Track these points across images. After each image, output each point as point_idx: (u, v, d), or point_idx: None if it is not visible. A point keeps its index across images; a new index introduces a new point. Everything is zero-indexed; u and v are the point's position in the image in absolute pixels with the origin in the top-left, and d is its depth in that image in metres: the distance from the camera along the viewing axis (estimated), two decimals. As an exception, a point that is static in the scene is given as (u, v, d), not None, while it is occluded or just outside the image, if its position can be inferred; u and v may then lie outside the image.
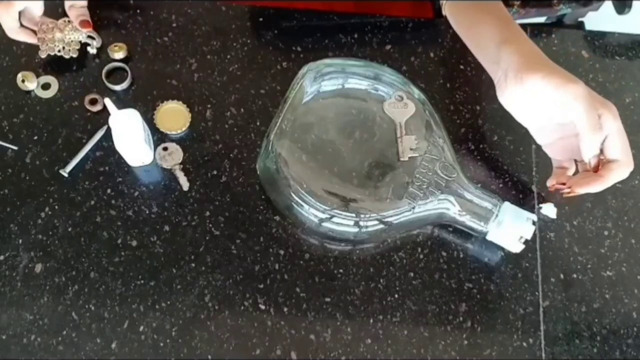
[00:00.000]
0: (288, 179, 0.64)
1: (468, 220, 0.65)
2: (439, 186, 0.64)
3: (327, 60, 0.69)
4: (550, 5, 0.94)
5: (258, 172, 0.69)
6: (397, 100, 0.67)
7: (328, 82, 0.68)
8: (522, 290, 0.66)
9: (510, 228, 0.63)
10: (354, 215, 0.63)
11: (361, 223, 0.63)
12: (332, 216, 0.63)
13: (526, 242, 0.64)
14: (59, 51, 0.73)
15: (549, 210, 0.69)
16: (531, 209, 0.69)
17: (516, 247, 0.65)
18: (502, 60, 0.61)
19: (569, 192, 0.64)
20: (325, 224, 0.64)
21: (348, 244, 0.68)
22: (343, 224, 0.64)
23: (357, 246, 0.68)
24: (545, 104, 0.60)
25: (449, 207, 0.65)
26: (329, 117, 0.66)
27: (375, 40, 0.77)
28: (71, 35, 0.74)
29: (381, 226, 0.64)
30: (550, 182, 0.67)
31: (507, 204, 0.64)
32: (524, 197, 0.70)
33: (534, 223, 0.63)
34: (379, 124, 0.67)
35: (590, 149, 0.61)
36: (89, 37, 0.74)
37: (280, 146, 0.65)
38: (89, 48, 0.75)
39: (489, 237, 0.65)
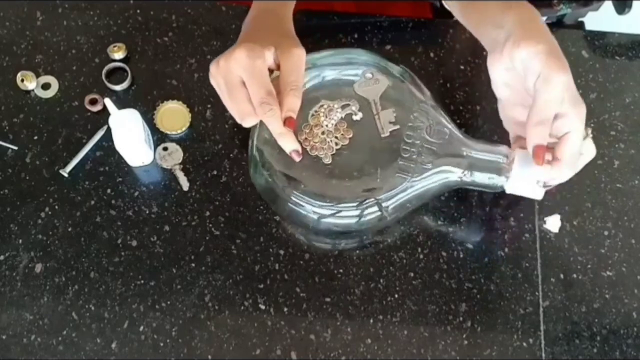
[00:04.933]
0: (280, 185, 0.63)
1: (477, 179, 0.62)
2: (432, 152, 0.62)
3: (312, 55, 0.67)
4: (550, 5, 0.94)
5: (257, 189, 0.67)
6: (367, 79, 0.65)
7: (307, 78, 0.66)
8: (522, 290, 0.66)
9: (523, 175, 0.60)
10: (354, 205, 0.62)
11: (360, 212, 0.62)
12: (337, 212, 0.62)
13: (528, 238, 0.63)
14: (337, 144, 0.64)
15: (553, 224, 0.68)
16: (531, 209, 0.69)
17: (538, 194, 0.61)
18: (505, 24, 0.60)
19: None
20: (325, 220, 0.63)
21: (349, 241, 0.68)
22: (343, 216, 0.63)
23: (357, 243, 0.68)
24: (525, 75, 0.58)
25: (451, 172, 0.62)
26: (306, 114, 0.64)
27: (375, 40, 0.77)
28: (330, 120, 0.64)
29: (379, 213, 0.63)
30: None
31: (514, 150, 0.62)
32: (524, 197, 0.70)
33: (548, 162, 0.60)
34: (357, 111, 0.65)
35: (533, 135, 0.58)
36: (344, 106, 0.65)
37: (267, 157, 0.63)
38: (353, 117, 0.65)
39: (507, 191, 0.62)
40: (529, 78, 0.58)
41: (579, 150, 0.59)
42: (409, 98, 0.65)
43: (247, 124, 0.62)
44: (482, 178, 0.62)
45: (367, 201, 0.62)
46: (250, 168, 0.66)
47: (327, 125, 0.64)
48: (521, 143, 0.63)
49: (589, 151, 0.61)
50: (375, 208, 0.62)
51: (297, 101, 0.61)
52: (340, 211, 0.62)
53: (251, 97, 0.60)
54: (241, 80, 0.60)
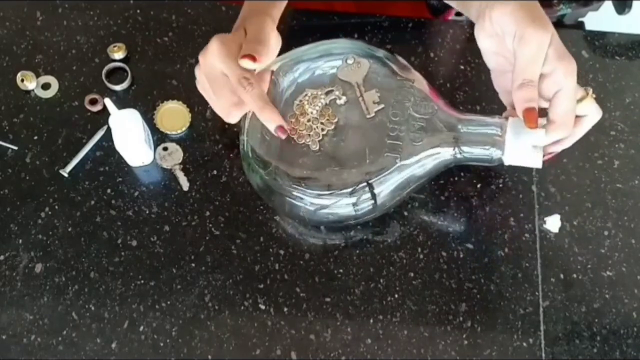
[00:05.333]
0: (274, 178, 0.62)
1: (472, 153, 0.61)
2: (421, 128, 0.61)
3: (292, 52, 0.66)
4: (550, 5, 0.94)
5: (251, 184, 0.67)
6: (349, 63, 0.65)
7: (298, 74, 0.65)
8: (522, 290, 0.66)
9: (517, 143, 0.59)
10: (348, 191, 0.61)
11: (355, 199, 0.61)
12: (335, 202, 0.61)
13: (528, 238, 0.63)
14: (323, 130, 0.62)
15: (553, 224, 0.68)
16: (531, 209, 0.69)
17: (537, 161, 0.60)
18: None
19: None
20: (322, 211, 0.63)
21: (349, 241, 0.68)
22: (339, 205, 0.62)
23: (358, 243, 0.68)
24: (504, 38, 0.57)
25: (443, 147, 0.61)
26: (292, 105, 0.64)
27: (375, 40, 0.77)
28: (315, 107, 0.63)
29: (372, 200, 0.62)
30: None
31: (505, 120, 0.61)
32: (524, 197, 0.70)
33: (542, 127, 0.59)
34: (342, 95, 0.64)
35: (519, 98, 0.57)
36: (327, 92, 0.64)
37: (258, 150, 0.63)
38: (337, 101, 0.63)
39: (506, 162, 0.61)
40: (507, 40, 0.57)
41: (572, 109, 0.57)
42: (392, 77, 0.64)
43: (233, 118, 0.61)
44: (476, 152, 0.61)
45: (359, 186, 0.61)
46: (244, 165, 0.66)
47: (312, 113, 0.63)
48: (514, 113, 0.61)
49: (593, 112, 0.60)
50: (369, 194, 0.61)
51: (258, 46, 0.58)
52: (338, 200, 0.61)
53: (230, 80, 0.58)
54: (222, 72, 0.59)
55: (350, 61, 0.65)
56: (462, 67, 0.76)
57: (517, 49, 0.56)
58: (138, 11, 0.77)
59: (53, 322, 0.64)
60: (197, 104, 0.73)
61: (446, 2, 0.68)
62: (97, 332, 0.63)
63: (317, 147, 0.62)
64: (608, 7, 0.91)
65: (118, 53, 0.74)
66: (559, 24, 1.00)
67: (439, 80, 0.75)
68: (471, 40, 0.73)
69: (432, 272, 0.67)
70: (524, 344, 0.64)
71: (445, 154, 0.62)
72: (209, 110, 0.73)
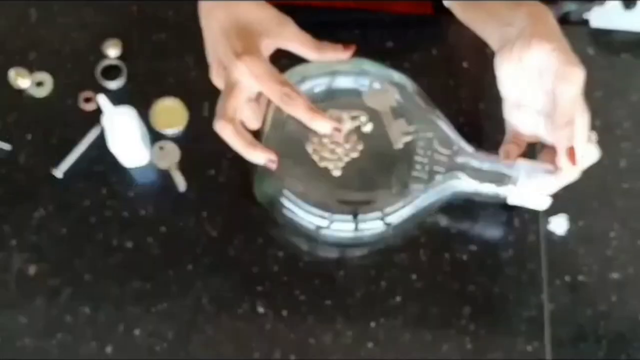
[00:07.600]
0: (288, 198, 0.63)
1: (485, 190, 0.63)
2: (443, 163, 0.62)
3: (299, 67, 0.66)
4: (554, 2, 0.94)
5: (258, 199, 0.67)
6: (375, 89, 0.65)
7: (313, 83, 0.66)
8: (526, 292, 0.65)
9: (529, 186, 0.61)
10: (354, 217, 0.62)
11: (364, 225, 0.62)
12: (344, 226, 0.62)
13: (532, 239, 0.63)
14: (346, 155, 0.63)
15: (558, 225, 0.68)
16: (536, 210, 0.68)
17: (542, 204, 0.62)
18: (515, 21, 0.59)
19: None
20: (328, 232, 0.63)
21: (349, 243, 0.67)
22: (347, 229, 0.63)
23: (358, 245, 0.67)
24: (541, 76, 0.58)
25: (462, 183, 0.63)
26: None
27: (376, 37, 0.76)
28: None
29: (385, 227, 0.63)
30: (504, 150, 0.64)
31: (519, 161, 0.62)
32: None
33: (551, 173, 0.61)
34: (367, 122, 0.65)
35: (563, 137, 0.58)
36: (353, 117, 0.64)
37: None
38: (363, 128, 0.64)
39: (510, 202, 0.63)
40: (545, 78, 0.57)
41: (581, 157, 0.59)
42: (417, 108, 0.65)
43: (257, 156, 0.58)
44: (490, 189, 0.63)
45: (373, 214, 0.62)
46: (255, 179, 0.66)
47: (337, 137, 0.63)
48: (510, 148, 0.63)
49: (592, 154, 0.61)
50: (379, 222, 0.62)
51: (291, 91, 0.57)
52: (348, 225, 0.62)
53: (271, 99, 0.57)
54: (247, 98, 0.58)
55: (376, 86, 0.65)
56: (464, 64, 0.76)
57: (560, 86, 0.56)
58: (134, 7, 0.76)
59: (47, 325, 0.63)
60: (194, 101, 0.72)
61: (461, 20, 0.67)
62: (92, 336, 0.63)
63: (340, 173, 0.62)
64: (614, 4, 0.91)
65: (113, 50, 0.73)
66: (564, 21, 1.00)
67: (440, 77, 0.75)
68: (473, 37, 0.72)
69: (434, 274, 0.66)
70: (529, 348, 0.63)
71: (462, 188, 0.63)
72: (207, 108, 0.72)
